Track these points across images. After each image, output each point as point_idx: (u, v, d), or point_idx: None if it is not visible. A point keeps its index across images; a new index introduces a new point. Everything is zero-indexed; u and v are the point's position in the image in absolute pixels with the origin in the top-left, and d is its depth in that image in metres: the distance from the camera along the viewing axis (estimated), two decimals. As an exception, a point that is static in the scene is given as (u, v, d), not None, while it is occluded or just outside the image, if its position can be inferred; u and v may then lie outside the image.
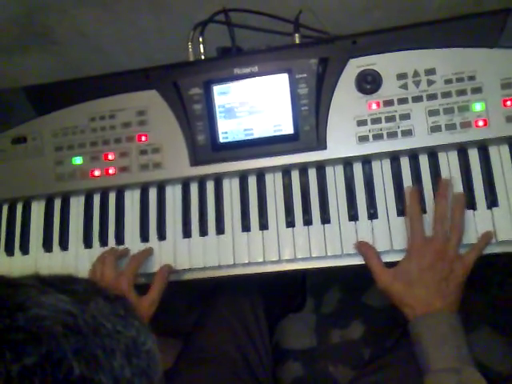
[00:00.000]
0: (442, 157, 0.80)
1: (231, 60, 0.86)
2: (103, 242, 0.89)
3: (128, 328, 0.40)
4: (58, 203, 0.93)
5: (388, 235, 0.79)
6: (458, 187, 0.79)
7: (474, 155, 0.79)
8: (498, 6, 0.82)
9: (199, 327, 0.99)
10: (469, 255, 0.74)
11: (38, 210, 0.93)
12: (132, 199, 0.90)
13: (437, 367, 0.68)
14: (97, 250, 0.89)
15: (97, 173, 0.89)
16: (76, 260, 0.89)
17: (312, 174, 0.84)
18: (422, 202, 0.79)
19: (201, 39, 0.92)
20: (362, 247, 0.78)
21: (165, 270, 0.83)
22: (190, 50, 0.92)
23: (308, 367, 1.42)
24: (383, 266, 0.76)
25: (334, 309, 1.46)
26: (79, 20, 1.12)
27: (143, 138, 0.88)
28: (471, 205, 0.77)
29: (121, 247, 0.88)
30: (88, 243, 0.89)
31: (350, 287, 1.44)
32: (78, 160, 0.90)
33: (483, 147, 0.79)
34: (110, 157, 0.89)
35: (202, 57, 0.92)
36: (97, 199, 0.91)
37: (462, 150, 0.80)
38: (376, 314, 1.42)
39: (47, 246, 0.91)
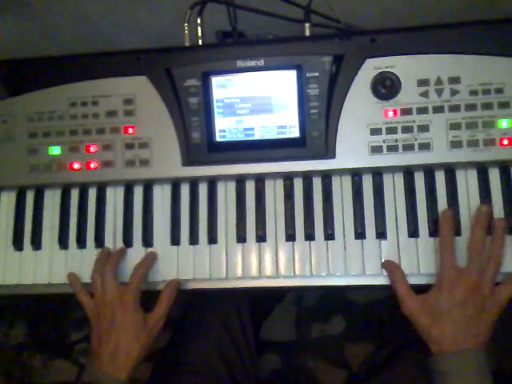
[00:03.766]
0: (459, 175, 0.74)
1: (234, 49, 0.76)
2: (81, 243, 0.80)
3: None
4: (30, 196, 0.83)
5: (397, 257, 0.73)
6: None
7: (495, 175, 0.73)
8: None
9: (181, 334, 0.92)
10: (503, 290, 0.68)
11: (7, 202, 0.84)
12: (114, 197, 0.81)
13: None
14: (73, 251, 0.81)
15: (76, 166, 0.80)
16: (50, 261, 0.81)
17: (317, 183, 0.77)
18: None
19: (199, 20, 0.82)
20: (389, 267, 0.72)
21: (172, 286, 0.77)
22: (187, 31, 0.82)
23: (286, 360, 1.39)
24: (411, 291, 0.70)
25: (316, 302, 1.42)
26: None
27: (130, 130, 0.79)
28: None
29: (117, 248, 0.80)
30: (63, 243, 0.81)
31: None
32: (55, 150, 0.80)
33: (506, 168, 0.73)
34: (92, 149, 0.79)
35: (200, 41, 0.82)
36: (75, 195, 0.82)
37: (482, 168, 0.73)
38: (358, 310, 1.39)
39: (18, 243, 0.82)
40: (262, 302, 1.18)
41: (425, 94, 0.73)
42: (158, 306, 0.75)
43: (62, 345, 1.47)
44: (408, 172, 0.75)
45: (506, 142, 0.71)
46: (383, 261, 0.73)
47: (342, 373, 1.35)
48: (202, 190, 0.79)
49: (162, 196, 0.80)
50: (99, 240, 0.80)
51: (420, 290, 0.71)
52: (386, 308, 1.36)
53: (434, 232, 0.73)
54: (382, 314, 1.36)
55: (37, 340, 1.49)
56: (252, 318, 0.98)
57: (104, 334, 0.73)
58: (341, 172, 0.76)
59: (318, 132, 0.74)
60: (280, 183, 0.78)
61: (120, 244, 0.80)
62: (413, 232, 0.73)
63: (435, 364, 0.67)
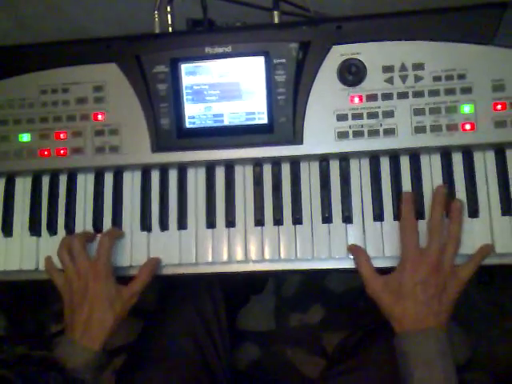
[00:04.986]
0: (424, 159, 0.75)
1: (203, 37, 0.77)
2: (51, 229, 0.81)
3: None
4: (1, 183, 0.83)
5: (363, 241, 0.74)
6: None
7: (458, 160, 0.74)
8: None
9: (154, 321, 0.93)
10: (464, 270, 0.70)
11: (-22, 189, 0.84)
12: (85, 184, 0.82)
13: None
14: (45, 239, 0.81)
15: (46, 152, 0.80)
16: (21, 248, 0.81)
17: (285, 169, 0.78)
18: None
19: (169, 8, 0.83)
20: (354, 250, 0.74)
21: (153, 263, 0.77)
22: (157, 19, 0.82)
23: (265, 350, 1.40)
24: (374, 272, 0.71)
25: (295, 291, 1.43)
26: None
27: (100, 117, 0.79)
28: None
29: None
30: (34, 230, 0.81)
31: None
32: (25, 137, 0.80)
33: (468, 152, 0.74)
34: (62, 136, 0.80)
35: (170, 29, 0.82)
36: (45, 182, 0.82)
37: (445, 153, 0.75)
38: (337, 299, 1.41)
39: (-12, 230, 0.82)
40: (237, 289, 1.19)
41: (389, 81, 0.74)
42: (135, 282, 0.75)
43: (42, 337, 1.47)
44: (374, 157, 0.76)
45: (468, 126, 0.72)
46: (349, 245, 0.74)
47: (321, 361, 1.37)
48: (172, 176, 0.80)
49: (132, 182, 0.81)
50: (70, 226, 0.80)
51: (385, 272, 0.72)
52: (363, 296, 1.38)
53: (398, 216, 0.74)
54: (359, 302, 1.37)
55: (17, 332, 1.49)
56: (227, 306, 0.99)
57: (77, 305, 0.72)
58: (308, 157, 0.77)
59: (285, 118, 0.75)
60: (249, 169, 0.79)
61: (90, 230, 0.80)
62: (378, 216, 0.74)
63: (398, 344, 0.68)
